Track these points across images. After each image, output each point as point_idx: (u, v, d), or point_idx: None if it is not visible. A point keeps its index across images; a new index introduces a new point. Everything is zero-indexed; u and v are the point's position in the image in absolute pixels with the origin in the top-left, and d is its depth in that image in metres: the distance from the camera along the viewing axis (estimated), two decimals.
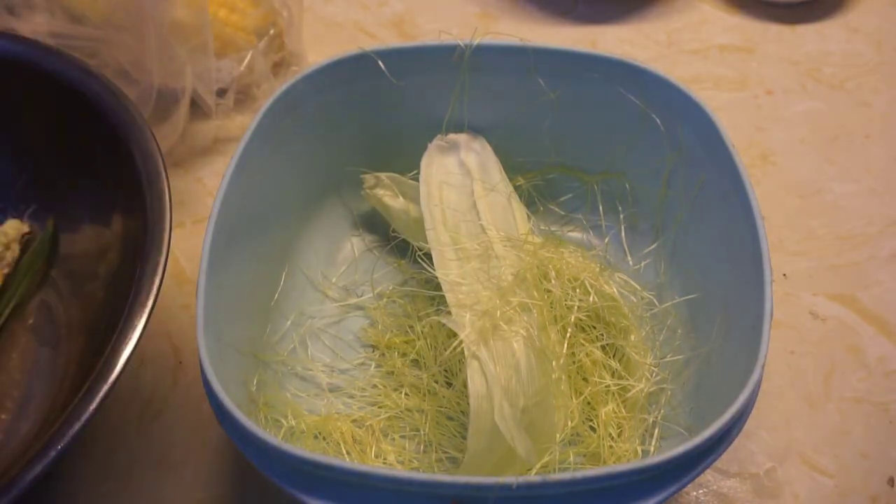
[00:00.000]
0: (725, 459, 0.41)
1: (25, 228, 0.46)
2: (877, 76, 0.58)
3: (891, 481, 0.40)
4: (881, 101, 0.57)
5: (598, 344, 0.41)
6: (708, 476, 0.40)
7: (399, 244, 0.46)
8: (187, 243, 0.49)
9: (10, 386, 0.42)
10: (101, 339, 0.37)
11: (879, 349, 0.44)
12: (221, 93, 0.52)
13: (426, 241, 0.41)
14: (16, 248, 0.45)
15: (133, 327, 0.34)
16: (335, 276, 0.47)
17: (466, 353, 0.36)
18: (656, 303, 0.43)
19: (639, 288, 0.44)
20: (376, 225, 0.49)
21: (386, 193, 0.46)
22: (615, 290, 0.42)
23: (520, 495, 0.30)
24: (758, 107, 0.57)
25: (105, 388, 0.33)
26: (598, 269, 0.42)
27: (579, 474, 0.30)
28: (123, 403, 0.43)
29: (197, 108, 0.52)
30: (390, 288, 0.46)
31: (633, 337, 0.41)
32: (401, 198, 0.46)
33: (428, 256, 0.40)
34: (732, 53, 0.60)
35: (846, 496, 0.40)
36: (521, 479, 0.29)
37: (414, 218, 0.44)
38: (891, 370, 0.44)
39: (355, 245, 0.48)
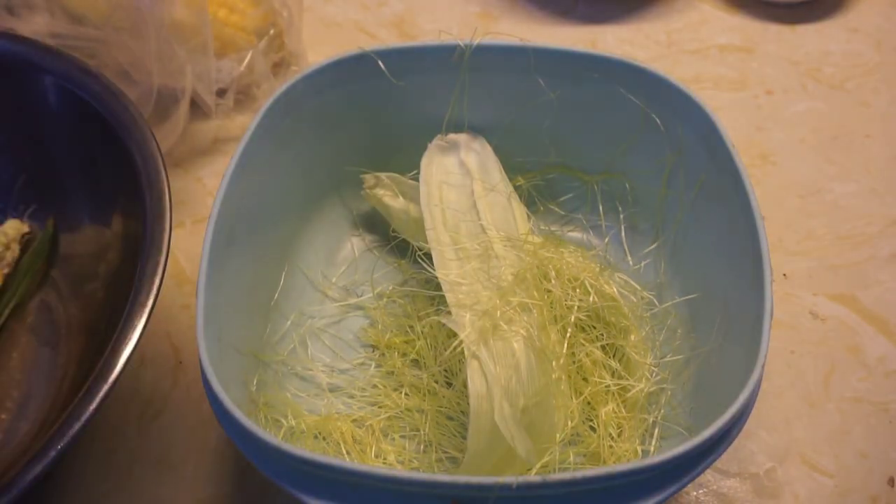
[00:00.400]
0: (725, 459, 0.40)
1: (25, 228, 0.46)
2: (877, 76, 0.58)
3: (891, 481, 0.40)
4: (881, 101, 0.57)
5: (598, 344, 0.41)
6: (708, 476, 0.40)
7: (399, 244, 0.46)
8: (187, 243, 0.49)
9: (10, 386, 0.42)
10: (101, 339, 0.37)
11: (879, 349, 0.44)
12: (221, 93, 0.52)
13: (426, 241, 0.41)
14: (16, 248, 0.45)
15: (133, 327, 0.34)
16: (335, 276, 0.47)
17: (466, 353, 0.36)
18: (656, 303, 0.43)
19: (639, 288, 0.44)
20: (376, 225, 0.49)
21: (386, 193, 0.46)
22: (615, 290, 0.42)
23: (520, 495, 0.30)
24: (758, 107, 0.57)
25: (105, 388, 0.33)
26: (598, 269, 0.42)
27: (579, 474, 0.30)
28: (123, 403, 0.43)
29: (197, 108, 0.52)
30: (390, 288, 0.46)
31: (633, 337, 0.41)
32: (401, 198, 0.46)
33: (428, 256, 0.40)
34: (732, 53, 0.60)
35: (846, 496, 0.40)
36: (521, 479, 0.29)
37: (414, 218, 0.44)
38: (891, 370, 0.44)
39: (355, 245, 0.48)
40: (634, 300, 0.43)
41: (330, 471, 0.30)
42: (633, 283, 0.44)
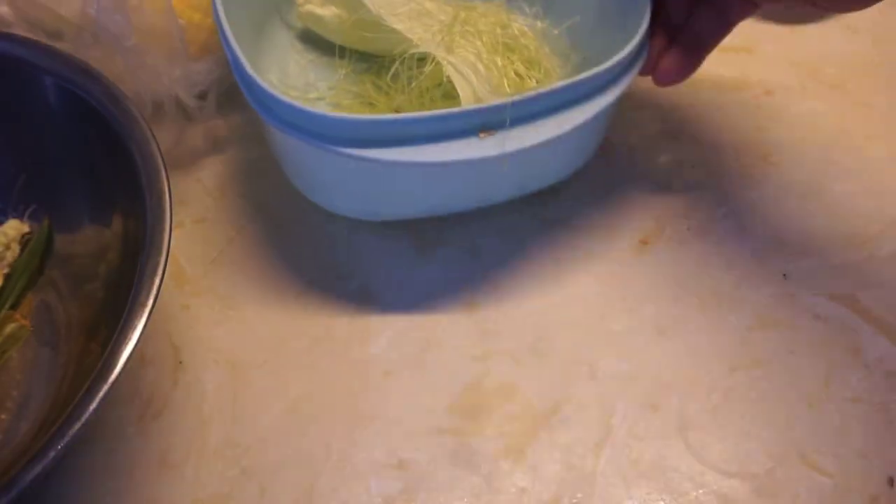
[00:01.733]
0: (726, 459, 0.41)
1: (25, 228, 0.46)
2: (877, 76, 0.58)
3: (890, 481, 0.40)
4: (881, 101, 0.57)
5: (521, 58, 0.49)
6: (708, 476, 0.40)
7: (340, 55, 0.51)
8: (187, 243, 0.49)
9: (10, 386, 0.42)
10: (101, 339, 0.37)
11: (879, 349, 0.44)
12: (203, 95, 0.52)
13: (364, 46, 0.48)
14: (16, 248, 0.45)
15: (133, 327, 0.34)
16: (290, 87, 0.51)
17: (439, 59, 0.43)
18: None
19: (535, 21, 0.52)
20: (317, 42, 0.53)
21: (315, 6, 0.50)
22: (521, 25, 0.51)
23: (527, 107, 0.39)
24: (758, 107, 0.57)
25: (105, 388, 0.33)
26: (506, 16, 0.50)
27: (562, 83, 0.39)
28: (123, 403, 0.43)
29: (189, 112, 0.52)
30: (343, 74, 0.51)
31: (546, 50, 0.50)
32: (331, 6, 0.49)
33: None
34: (732, 53, 0.60)
35: (846, 496, 0.40)
36: (521, 95, 0.38)
37: (348, 22, 0.48)
38: (891, 370, 0.44)
39: (302, 61, 0.52)
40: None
41: (375, 126, 0.37)
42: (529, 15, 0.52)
